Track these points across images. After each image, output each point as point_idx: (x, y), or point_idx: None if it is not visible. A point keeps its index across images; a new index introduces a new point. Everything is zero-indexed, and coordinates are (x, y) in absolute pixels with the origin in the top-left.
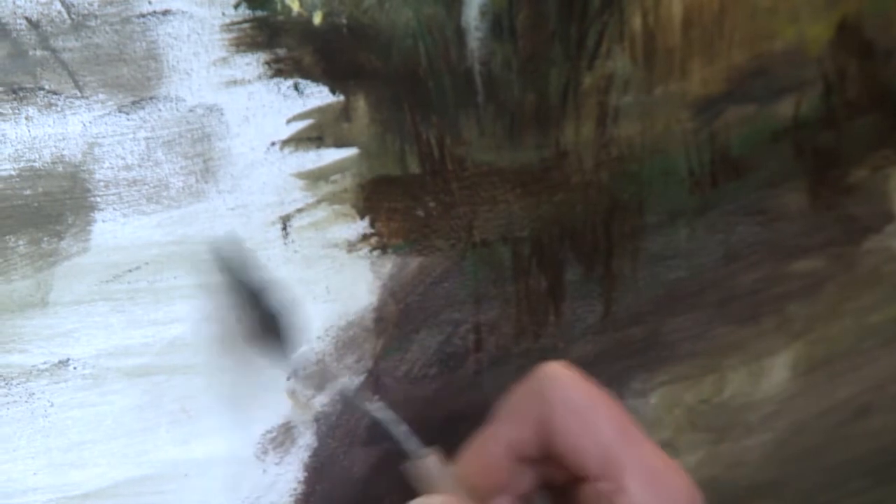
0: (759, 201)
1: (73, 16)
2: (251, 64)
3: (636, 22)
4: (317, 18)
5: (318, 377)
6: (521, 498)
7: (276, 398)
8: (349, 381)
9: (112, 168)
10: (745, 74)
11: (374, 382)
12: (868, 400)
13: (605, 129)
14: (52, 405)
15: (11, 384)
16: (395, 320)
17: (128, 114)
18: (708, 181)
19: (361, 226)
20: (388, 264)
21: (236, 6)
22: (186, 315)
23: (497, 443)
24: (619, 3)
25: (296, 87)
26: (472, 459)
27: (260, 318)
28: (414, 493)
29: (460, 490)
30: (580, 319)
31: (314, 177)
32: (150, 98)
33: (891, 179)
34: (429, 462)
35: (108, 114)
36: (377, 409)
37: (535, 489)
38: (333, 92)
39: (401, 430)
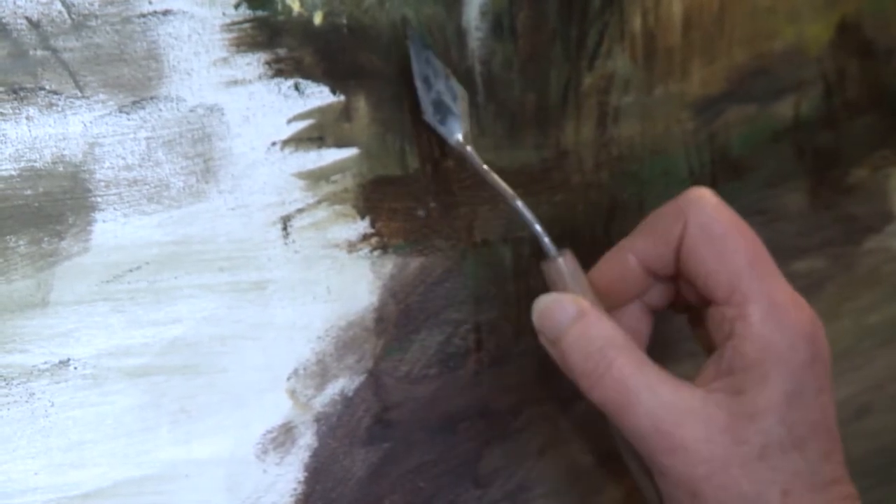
0: (758, 201)
1: (74, 16)
2: (252, 64)
3: (636, 22)
4: (317, 18)
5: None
6: (651, 308)
7: (276, 398)
8: (496, 178)
9: (113, 168)
10: (745, 74)
11: (375, 383)
12: (867, 400)
13: (606, 129)
14: (52, 405)
15: (12, 384)
16: (396, 320)
17: (128, 114)
18: (708, 181)
19: (362, 226)
20: (389, 264)
21: (237, 6)
22: (187, 315)
23: (632, 254)
24: (620, 3)
25: (296, 87)
26: (605, 267)
27: (434, 99)
28: None
29: (591, 293)
30: None
31: (315, 177)
32: (151, 98)
33: (890, 179)
34: (563, 262)
35: (109, 114)
36: (520, 205)
37: (664, 305)
38: (334, 92)
39: (537, 228)
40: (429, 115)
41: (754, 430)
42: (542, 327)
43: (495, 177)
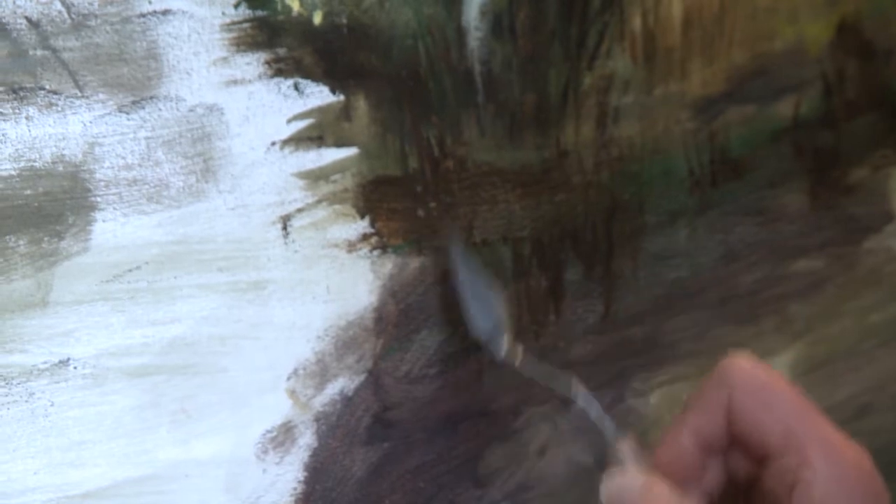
0: (758, 201)
1: (74, 15)
2: (251, 63)
3: (636, 22)
4: (317, 18)
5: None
6: (709, 494)
7: (276, 398)
8: (565, 376)
9: (112, 168)
10: (744, 75)
11: (374, 382)
12: (868, 400)
13: (606, 130)
14: (52, 405)
15: (12, 384)
16: (396, 320)
17: (128, 113)
18: (708, 181)
19: (362, 226)
20: (389, 264)
21: (236, 6)
22: (186, 315)
23: (687, 431)
24: (620, 3)
25: (296, 87)
26: (664, 449)
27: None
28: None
29: (653, 472)
30: (580, 319)
31: (314, 176)
32: (151, 98)
33: (890, 179)
34: (628, 445)
35: (109, 113)
36: (583, 397)
37: (721, 484)
38: (334, 92)
39: (603, 418)
40: (477, 326)
41: None
42: (609, 497)
43: (552, 370)
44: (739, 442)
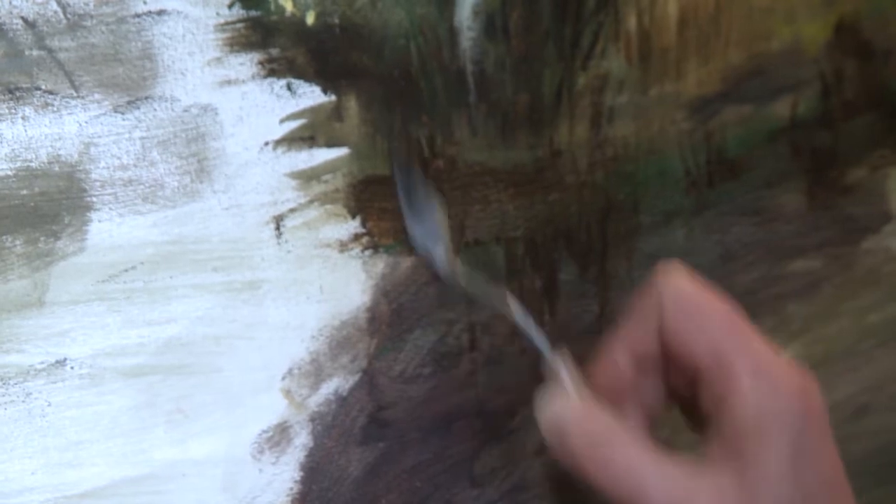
0: (755, 202)
1: (69, 16)
2: (245, 64)
3: (631, 22)
4: (310, 18)
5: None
6: (648, 412)
7: (271, 398)
8: (500, 291)
9: (108, 168)
10: (741, 74)
11: (369, 382)
12: (866, 400)
13: (600, 130)
14: (49, 405)
15: (9, 384)
16: (389, 320)
17: (123, 114)
18: (704, 181)
19: (353, 225)
20: (381, 264)
21: (230, 6)
22: (182, 315)
23: (621, 348)
24: (615, 3)
25: (289, 87)
26: (599, 367)
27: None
28: None
29: (588, 390)
30: (575, 319)
31: (306, 176)
32: (146, 98)
33: (888, 179)
34: (561, 362)
35: (104, 114)
36: (516, 311)
37: (661, 401)
38: (325, 92)
39: (536, 333)
40: (419, 241)
41: (767, 496)
42: (546, 427)
43: (485, 287)
44: (672, 359)
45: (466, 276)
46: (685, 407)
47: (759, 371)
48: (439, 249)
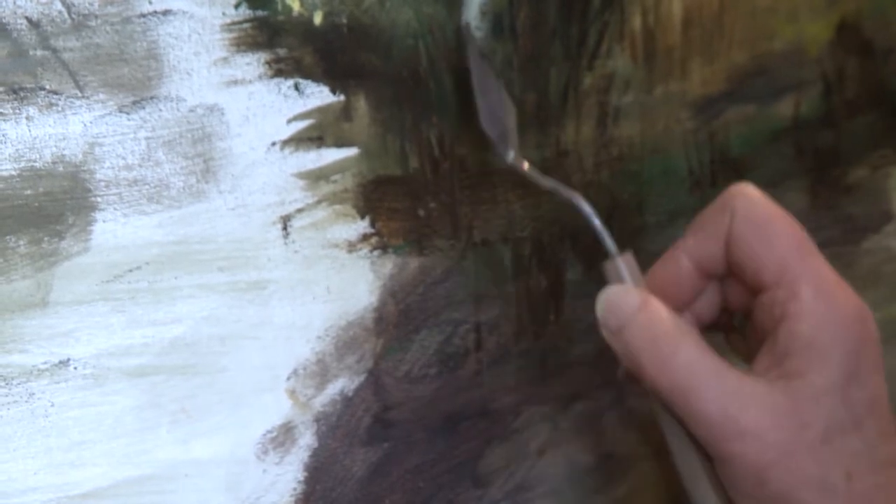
0: None
1: (74, 15)
2: (252, 64)
3: (636, 21)
4: (317, 18)
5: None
6: (701, 319)
7: (276, 398)
8: (568, 190)
9: (113, 168)
10: (744, 74)
11: (375, 382)
12: None
13: (606, 129)
14: (52, 405)
15: (12, 384)
16: (396, 320)
17: (128, 114)
18: (708, 181)
19: (362, 226)
20: (389, 264)
21: (237, 6)
22: (187, 315)
23: (685, 255)
24: (620, 2)
25: (296, 87)
26: (659, 269)
27: (490, 110)
28: None
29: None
30: (580, 319)
31: (314, 177)
32: (151, 98)
33: (890, 179)
34: (624, 261)
35: (109, 114)
36: (582, 203)
37: (715, 310)
38: (334, 92)
39: (598, 226)
40: (486, 124)
41: (817, 412)
42: (606, 317)
43: (556, 183)
44: (736, 271)
45: (534, 171)
46: (731, 325)
47: (821, 291)
48: (506, 136)
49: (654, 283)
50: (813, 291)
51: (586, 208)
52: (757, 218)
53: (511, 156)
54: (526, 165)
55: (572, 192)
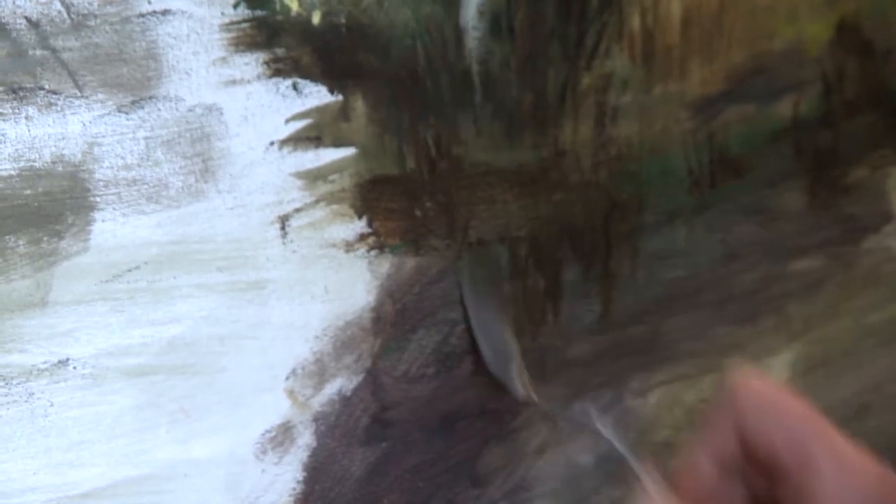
0: (757, 201)
1: (73, 15)
2: (250, 64)
3: (635, 21)
4: (316, 18)
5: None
6: None
7: (274, 398)
8: (582, 406)
9: (112, 168)
10: (744, 74)
11: (373, 382)
12: (867, 400)
13: (604, 129)
14: (51, 405)
15: (11, 384)
16: (393, 320)
17: (127, 113)
18: (707, 181)
19: (359, 225)
20: (386, 264)
21: (235, 6)
22: (185, 315)
23: (705, 455)
24: (619, 2)
25: (294, 87)
26: (686, 475)
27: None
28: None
29: (675, 499)
30: (578, 319)
31: (312, 176)
32: (150, 98)
33: (889, 179)
34: (651, 472)
35: (108, 113)
36: (605, 427)
37: (746, 502)
38: (332, 92)
39: (622, 444)
40: (494, 367)
41: None
42: None
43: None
44: (753, 461)
45: (544, 397)
46: None
47: (840, 463)
48: (511, 368)
49: (681, 490)
50: (831, 466)
51: (603, 425)
52: (762, 403)
53: (521, 393)
54: (533, 394)
55: (588, 406)
